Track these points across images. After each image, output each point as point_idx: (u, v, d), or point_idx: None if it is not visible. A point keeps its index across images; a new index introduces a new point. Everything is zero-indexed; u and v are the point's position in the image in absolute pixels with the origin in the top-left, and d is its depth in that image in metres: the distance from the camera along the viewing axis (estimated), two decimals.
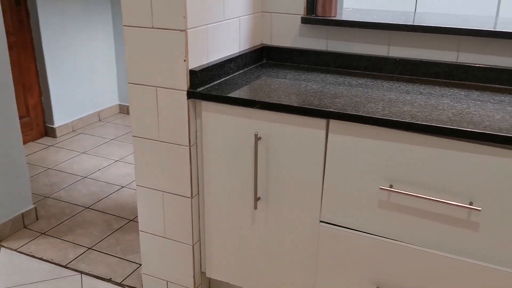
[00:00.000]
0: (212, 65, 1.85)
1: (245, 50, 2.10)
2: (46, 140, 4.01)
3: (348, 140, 1.60)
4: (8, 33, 3.63)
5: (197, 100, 1.81)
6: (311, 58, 2.15)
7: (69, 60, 4.07)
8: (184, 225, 1.97)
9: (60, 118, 4.08)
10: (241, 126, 1.76)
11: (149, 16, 1.73)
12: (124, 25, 1.79)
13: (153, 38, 1.75)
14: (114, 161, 3.62)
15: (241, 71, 2.05)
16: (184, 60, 1.73)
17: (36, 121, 3.99)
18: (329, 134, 1.63)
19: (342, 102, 1.66)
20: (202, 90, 1.78)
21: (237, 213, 1.89)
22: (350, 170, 1.63)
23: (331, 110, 1.59)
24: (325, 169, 1.67)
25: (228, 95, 1.74)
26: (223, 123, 1.79)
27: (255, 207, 1.82)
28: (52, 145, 3.91)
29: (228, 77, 1.96)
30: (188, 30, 1.70)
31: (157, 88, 1.82)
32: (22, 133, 3.87)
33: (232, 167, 1.83)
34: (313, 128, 1.64)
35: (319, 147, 1.66)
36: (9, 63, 2.52)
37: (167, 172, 1.92)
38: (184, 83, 1.76)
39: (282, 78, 1.97)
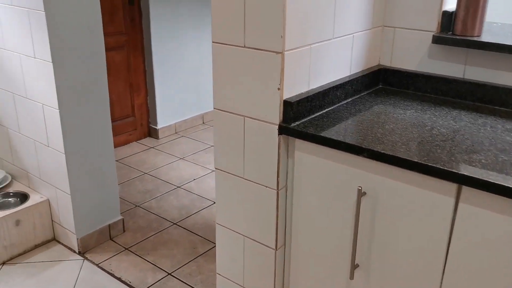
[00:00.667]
0: (313, 94, 1.51)
1: (357, 73, 1.72)
2: (148, 141, 3.96)
3: (488, 216, 1.17)
4: (120, 33, 3.62)
5: (290, 137, 1.48)
6: (441, 87, 1.70)
7: (176, 62, 3.98)
8: (266, 279, 1.66)
9: (163, 119, 4.01)
10: (342, 175, 1.40)
11: (241, 33, 1.44)
12: (212, 42, 1.52)
13: (244, 59, 1.46)
14: (210, 171, 3.43)
15: (350, 99, 1.68)
16: (278, 89, 1.41)
17: (141, 121, 3.96)
18: (460, 204, 1.21)
19: (483, 161, 1.22)
20: (297, 125, 1.45)
21: (328, 281, 1.53)
22: (488, 252, 1.20)
23: (465, 173, 1.16)
24: (450, 244, 1.25)
25: (328, 135, 1.38)
26: (319, 167, 1.44)
27: (351, 277, 1.45)
28: (153, 147, 3.84)
29: (332, 107, 1.60)
30: (285, 52, 1.38)
31: (245, 118, 1.52)
32: (126, 132, 3.88)
33: (326, 222, 1.48)
34: (437, 193, 1.23)
35: (444, 217, 1.24)
36: (105, 67, 2.41)
37: (250, 215, 1.63)
38: (276, 115, 1.45)
39: (401, 113, 1.56)
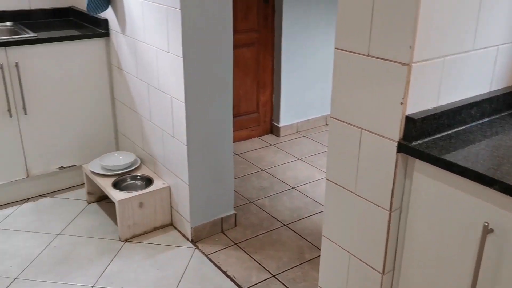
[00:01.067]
0: (442, 111, 1.36)
1: (499, 90, 1.52)
2: (269, 138, 4.00)
3: None
4: (252, 30, 3.68)
5: (409, 157, 1.36)
6: None
7: (304, 61, 3.94)
8: None
9: (286, 118, 4.02)
10: (466, 206, 1.24)
11: (366, 41, 1.35)
12: (335, 48, 1.45)
13: (366, 68, 1.36)
14: None
15: (487, 119, 1.49)
16: (401, 103, 1.30)
17: (264, 118, 4.01)
18: None
19: None
20: (419, 144, 1.32)
21: None
22: None
23: None
24: None
25: (454, 160, 1.24)
26: (441, 194, 1.30)
27: None
28: (273, 144, 3.87)
29: (463, 127, 1.43)
30: (413, 64, 1.26)
31: (362, 130, 1.43)
32: (248, 128, 3.95)
33: (443, 254, 1.33)
34: None
35: None
36: (232, 64, 2.46)
37: (358, 233, 1.53)
38: (396, 131, 1.33)
39: None
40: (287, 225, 2.77)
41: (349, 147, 1.48)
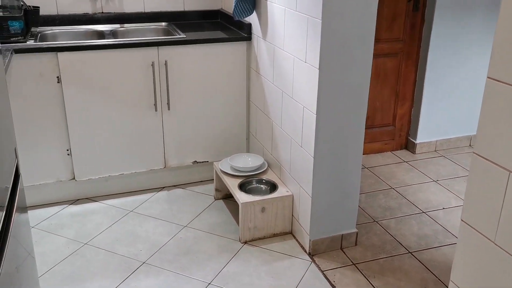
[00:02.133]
0: None
1: None
2: (403, 153, 3.78)
3: None
4: (396, 39, 3.50)
5: None
6: None
7: (451, 76, 3.64)
8: None
9: (424, 134, 3.75)
10: None
11: None
12: (488, 77, 1.28)
13: None
14: None
15: None
16: None
17: (400, 132, 3.80)
18: None
19: None
20: None
21: None
22: None
23: None
24: None
25: None
26: None
27: None
28: (407, 161, 3.65)
29: None
30: None
31: (511, 173, 1.25)
32: (382, 141, 3.78)
33: None
34: None
35: None
36: (369, 75, 2.34)
37: (493, 286, 1.35)
38: None
39: None
40: (412, 253, 2.58)
41: (492, 189, 1.31)
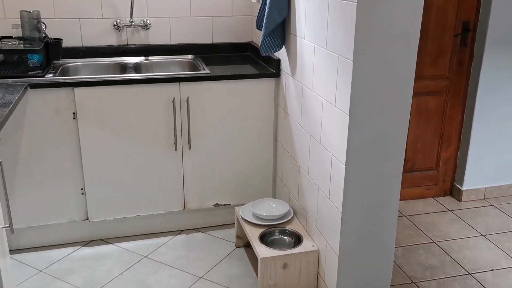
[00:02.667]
0: None
1: None
2: (447, 201, 3.43)
3: None
4: (442, 77, 3.21)
5: None
6: None
7: (504, 117, 3.29)
8: None
9: (472, 179, 3.39)
10: None
11: None
12: None
13: None
14: None
15: None
16: None
17: (444, 177, 3.45)
18: None
19: None
20: None
21: None
22: None
23: None
24: None
25: None
26: None
27: None
28: (451, 210, 3.30)
29: None
30: None
31: None
32: (424, 186, 3.45)
33: None
34: None
35: None
36: (407, 120, 2.07)
37: None
38: None
39: None
40: None
41: None
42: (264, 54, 2.61)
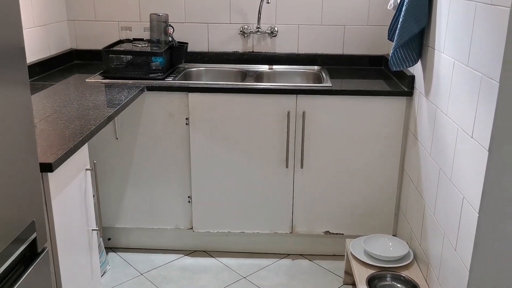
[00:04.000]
0: None
1: None
2: None
3: None
4: None
5: None
6: None
7: None
8: None
9: None
10: None
11: None
12: None
13: None
14: None
15: None
16: None
17: None
18: None
19: None
20: None
21: None
22: None
23: None
24: None
25: None
26: None
27: None
28: None
29: None
30: None
31: None
32: None
33: None
34: None
35: None
36: None
37: None
38: None
39: None
40: None
41: None
42: (395, 69, 2.25)
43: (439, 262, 1.96)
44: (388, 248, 2.32)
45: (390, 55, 2.23)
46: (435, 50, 2.06)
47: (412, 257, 2.26)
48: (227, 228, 2.67)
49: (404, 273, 2.18)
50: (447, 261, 1.87)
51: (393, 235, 2.62)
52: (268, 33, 2.90)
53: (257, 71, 2.84)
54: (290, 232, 2.66)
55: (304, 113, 2.44)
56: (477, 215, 1.60)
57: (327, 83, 2.51)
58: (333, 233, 2.65)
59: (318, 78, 2.79)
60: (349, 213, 2.61)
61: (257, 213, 2.64)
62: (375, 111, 2.44)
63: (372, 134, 2.47)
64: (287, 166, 2.53)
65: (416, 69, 2.33)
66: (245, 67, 2.90)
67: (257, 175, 2.56)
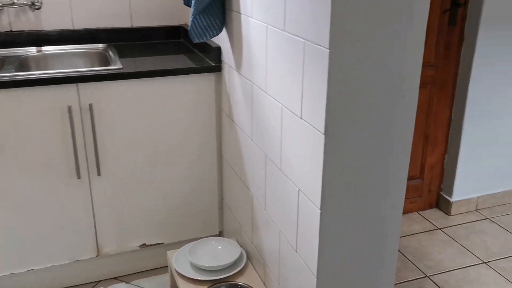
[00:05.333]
0: None
1: None
2: (435, 215, 2.81)
3: None
4: (426, 64, 2.55)
5: None
6: None
7: (500, 112, 2.69)
8: None
9: (462, 189, 2.79)
10: None
11: None
12: None
13: None
14: None
15: None
16: None
17: (429, 187, 2.83)
18: None
19: None
20: None
21: None
22: None
23: None
24: None
25: None
26: None
27: None
28: (441, 228, 2.68)
29: None
30: None
31: None
32: (407, 199, 2.82)
33: None
34: None
35: None
36: (410, 141, 1.40)
37: None
38: None
39: None
40: None
41: None
42: (197, 41, 1.85)
43: (278, 263, 1.68)
44: (217, 253, 1.97)
45: (190, 24, 1.82)
46: (242, 15, 1.71)
47: (245, 259, 1.95)
48: (8, 269, 2.00)
49: (241, 281, 1.86)
50: (287, 263, 1.59)
51: (219, 232, 2.29)
52: (28, 5, 2.22)
53: (20, 56, 2.15)
54: (97, 256, 2.12)
55: (91, 106, 1.89)
56: (319, 211, 1.32)
57: (117, 65, 1.98)
58: (150, 244, 2.20)
59: (104, 60, 2.24)
60: (166, 218, 2.18)
61: (49, 241, 2.02)
62: (179, 94, 2.02)
63: (179, 122, 2.06)
64: (79, 177, 1.96)
65: (222, 39, 1.96)
66: (2, 52, 2.18)
67: (38, 194, 1.94)
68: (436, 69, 2.59)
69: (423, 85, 2.59)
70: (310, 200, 1.36)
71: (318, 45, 1.21)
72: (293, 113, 1.40)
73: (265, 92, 1.59)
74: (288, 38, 1.37)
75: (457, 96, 2.66)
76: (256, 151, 1.74)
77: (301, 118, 1.35)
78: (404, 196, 1.44)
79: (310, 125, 1.30)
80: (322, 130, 1.24)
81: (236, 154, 1.97)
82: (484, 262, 2.39)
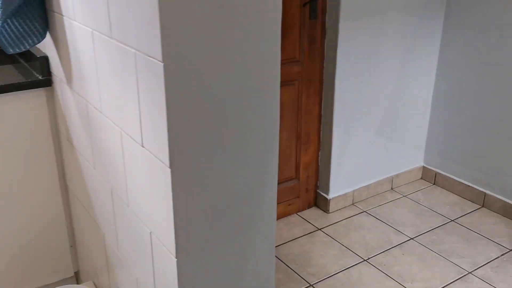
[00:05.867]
0: None
1: None
2: (314, 215, 2.73)
3: None
4: (292, 60, 2.42)
5: None
6: None
7: (367, 104, 2.67)
8: None
9: (338, 184, 2.74)
10: None
11: None
12: None
13: None
14: None
15: None
16: None
17: (306, 186, 2.74)
18: None
19: None
20: None
21: None
22: None
23: None
24: None
25: None
26: None
27: None
28: (321, 229, 2.60)
29: None
30: None
31: None
32: (285, 201, 2.70)
33: None
34: None
35: None
36: (277, 146, 1.20)
37: None
38: None
39: None
40: None
41: None
42: (12, 51, 1.47)
43: None
44: None
45: None
46: (64, 17, 1.38)
47: None
48: None
49: None
50: None
51: (75, 273, 1.94)
52: None
53: None
54: None
55: None
56: (175, 259, 1.07)
57: None
58: None
59: None
60: (6, 268, 1.78)
61: None
62: (4, 116, 1.63)
63: (9, 150, 1.67)
64: None
65: (49, 47, 1.61)
66: None
67: None
68: (302, 65, 2.47)
69: (290, 82, 2.46)
70: (164, 246, 1.10)
71: (150, 57, 0.95)
72: (133, 139, 1.13)
73: (101, 112, 1.29)
74: (117, 48, 1.09)
75: (325, 91, 2.58)
76: (100, 182, 1.44)
77: (142, 146, 1.09)
78: (274, 230, 1.25)
79: (154, 155, 1.04)
80: (167, 162, 0.99)
81: (81, 184, 1.64)
82: (364, 260, 2.34)
